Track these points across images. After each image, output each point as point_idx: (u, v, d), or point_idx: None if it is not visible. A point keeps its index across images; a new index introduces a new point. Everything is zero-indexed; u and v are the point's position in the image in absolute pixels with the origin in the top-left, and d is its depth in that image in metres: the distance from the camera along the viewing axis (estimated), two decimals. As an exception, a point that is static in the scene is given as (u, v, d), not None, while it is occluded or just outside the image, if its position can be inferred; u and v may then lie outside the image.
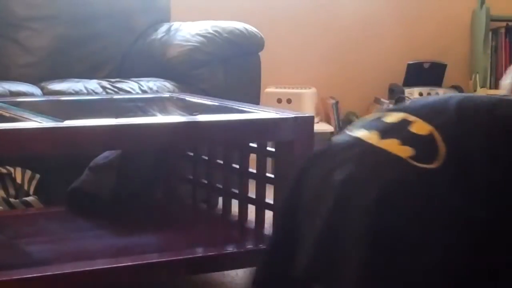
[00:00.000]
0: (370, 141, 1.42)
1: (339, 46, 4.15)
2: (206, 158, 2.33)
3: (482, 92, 3.91)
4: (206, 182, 2.34)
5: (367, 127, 1.48)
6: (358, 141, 1.45)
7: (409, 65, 4.07)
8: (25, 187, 2.49)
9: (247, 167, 2.17)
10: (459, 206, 1.29)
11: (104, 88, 2.78)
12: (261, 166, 2.10)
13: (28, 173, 2.51)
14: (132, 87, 2.81)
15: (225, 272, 2.34)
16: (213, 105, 2.33)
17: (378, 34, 4.17)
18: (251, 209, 2.14)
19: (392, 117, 1.46)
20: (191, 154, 2.39)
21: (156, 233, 2.11)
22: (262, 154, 2.10)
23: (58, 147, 1.69)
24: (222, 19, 3.14)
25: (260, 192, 2.11)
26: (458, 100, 1.43)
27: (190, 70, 2.93)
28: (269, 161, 2.13)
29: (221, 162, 2.26)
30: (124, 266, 1.79)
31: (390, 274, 1.28)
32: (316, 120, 3.88)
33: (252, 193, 2.15)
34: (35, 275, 1.70)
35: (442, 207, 1.29)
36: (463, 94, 1.40)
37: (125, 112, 2.30)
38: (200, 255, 1.90)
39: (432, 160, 1.33)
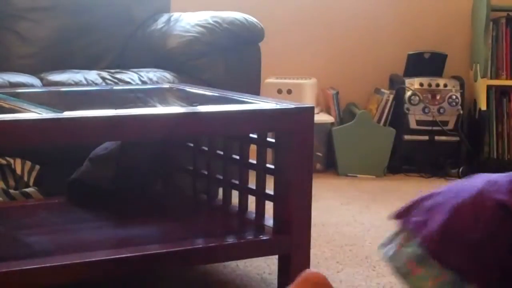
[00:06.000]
0: None
1: (340, 36, 4.15)
2: (206, 149, 2.32)
3: (482, 82, 3.91)
4: (206, 173, 2.34)
5: None
6: None
7: (409, 55, 4.06)
8: (25, 178, 2.49)
9: (247, 157, 2.17)
10: None
11: (103, 79, 2.78)
12: (261, 157, 2.10)
13: (28, 164, 2.51)
14: (132, 77, 2.81)
15: (226, 262, 2.35)
16: (213, 95, 2.33)
17: (379, 25, 4.16)
18: (251, 200, 2.14)
19: None
20: (191, 145, 2.39)
21: (156, 224, 2.11)
22: (262, 144, 2.10)
23: (57, 138, 1.69)
24: (222, 9, 3.14)
25: (260, 183, 2.11)
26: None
27: (190, 60, 2.93)
28: (269, 152, 2.13)
29: (221, 153, 2.26)
30: (124, 257, 1.79)
31: None
32: (316, 110, 3.88)
33: (252, 184, 2.15)
34: (35, 266, 1.70)
35: None
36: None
37: (125, 103, 2.29)
38: (200, 246, 1.90)
39: None
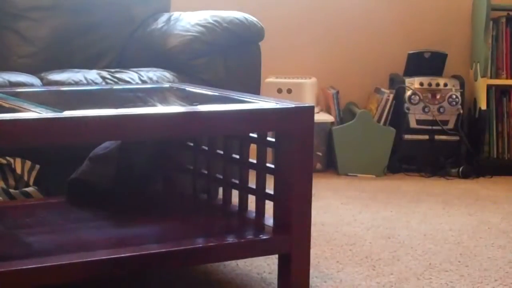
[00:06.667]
0: None
1: (340, 35, 4.15)
2: (206, 148, 2.32)
3: (483, 82, 3.91)
4: (206, 172, 2.34)
5: None
6: None
7: (409, 55, 4.06)
8: (25, 177, 2.49)
9: (247, 157, 2.17)
10: None
11: (103, 78, 2.78)
12: (261, 156, 2.10)
13: (28, 163, 2.51)
14: (132, 77, 2.81)
15: (226, 262, 2.35)
16: (213, 95, 2.32)
17: (379, 24, 4.16)
18: (251, 199, 2.14)
19: None
20: (191, 144, 2.39)
21: (156, 224, 2.11)
22: (262, 144, 2.10)
23: (57, 138, 1.69)
24: (222, 8, 3.14)
25: (260, 182, 2.11)
26: None
27: (190, 60, 2.93)
28: (269, 151, 2.13)
29: (221, 152, 2.26)
30: (124, 256, 1.79)
31: None
32: (316, 110, 3.88)
33: (252, 183, 2.15)
34: (35, 266, 1.70)
35: None
36: None
37: (125, 103, 2.29)
38: (200, 245, 1.90)
39: None
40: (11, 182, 2.48)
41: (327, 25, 4.12)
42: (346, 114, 4.05)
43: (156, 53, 3.05)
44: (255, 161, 2.12)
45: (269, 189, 2.09)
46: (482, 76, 3.91)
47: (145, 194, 2.41)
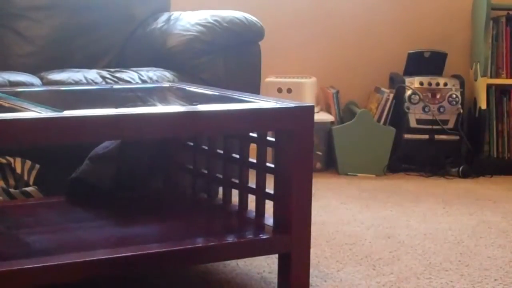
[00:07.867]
0: None
1: (340, 35, 4.14)
2: (206, 148, 2.32)
3: (483, 81, 3.91)
4: (206, 172, 2.34)
5: None
6: None
7: (409, 54, 4.06)
8: (25, 177, 2.49)
9: (247, 157, 2.17)
10: None
11: (103, 78, 2.78)
12: (261, 156, 2.10)
13: (28, 163, 2.51)
14: (132, 76, 2.81)
15: (226, 261, 2.35)
16: (213, 94, 2.32)
17: (379, 23, 4.16)
18: (251, 199, 2.14)
19: None
20: (191, 144, 2.39)
21: (156, 223, 2.11)
22: (262, 144, 2.10)
23: (57, 138, 1.69)
24: (222, 8, 3.14)
25: (260, 182, 2.11)
26: None
27: (190, 59, 2.93)
28: (269, 151, 2.13)
29: (221, 152, 2.26)
30: (124, 256, 1.79)
31: None
32: (316, 109, 3.88)
33: (252, 183, 2.15)
34: (35, 265, 1.70)
35: None
36: None
37: (125, 102, 2.29)
38: (201, 245, 1.90)
39: None
40: (11, 181, 2.48)
41: (327, 24, 4.12)
42: (346, 113, 4.05)
43: (156, 52, 3.05)
44: (255, 161, 2.12)
45: (269, 189, 2.09)
46: (482, 76, 3.91)
47: (145, 193, 2.41)
